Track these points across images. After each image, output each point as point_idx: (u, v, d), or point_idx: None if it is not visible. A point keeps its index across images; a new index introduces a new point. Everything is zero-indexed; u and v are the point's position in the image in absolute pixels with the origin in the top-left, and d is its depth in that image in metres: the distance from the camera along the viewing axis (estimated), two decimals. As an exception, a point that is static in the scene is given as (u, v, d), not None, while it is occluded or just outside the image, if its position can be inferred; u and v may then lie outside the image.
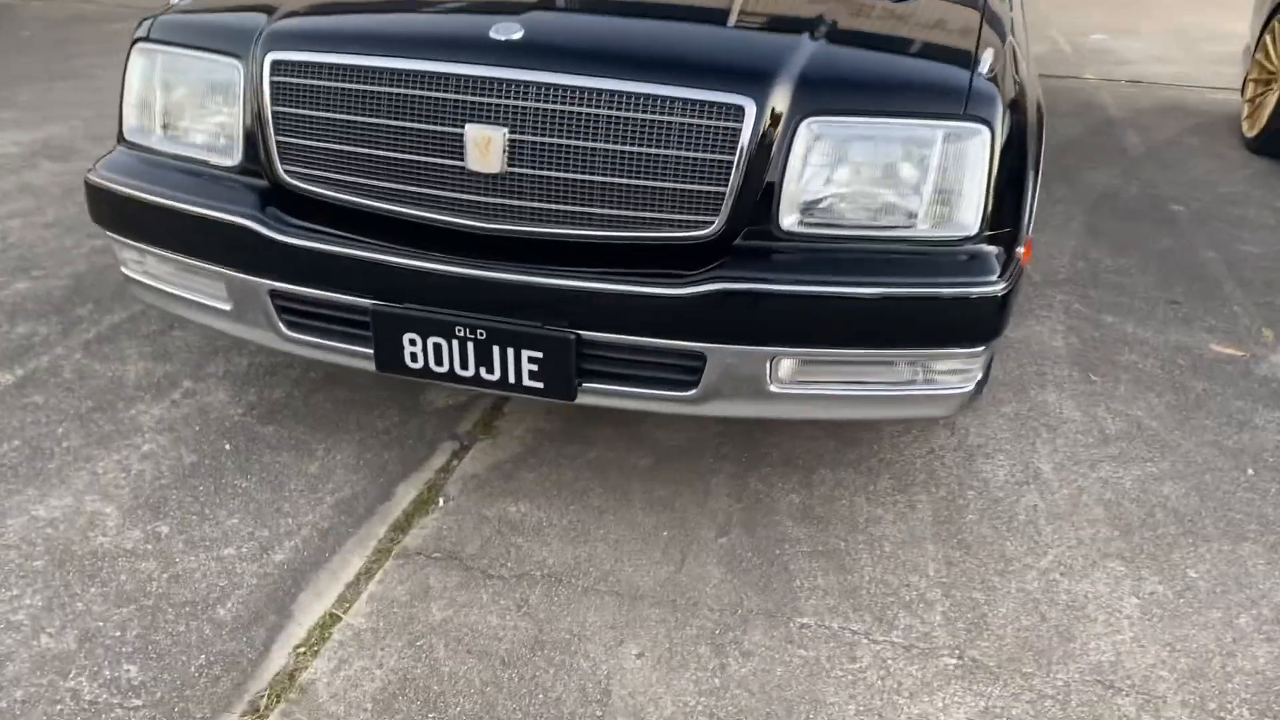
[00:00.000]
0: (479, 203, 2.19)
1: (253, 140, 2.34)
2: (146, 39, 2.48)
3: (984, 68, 2.19)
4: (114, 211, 2.51)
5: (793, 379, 2.20)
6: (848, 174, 2.15)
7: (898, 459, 2.69)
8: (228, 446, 2.64)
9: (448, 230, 2.23)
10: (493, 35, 2.17)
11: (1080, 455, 2.74)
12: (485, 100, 2.13)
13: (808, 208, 2.15)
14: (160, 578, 2.19)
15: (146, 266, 2.56)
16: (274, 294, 2.34)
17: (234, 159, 2.38)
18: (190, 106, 2.45)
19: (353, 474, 2.55)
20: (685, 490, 2.54)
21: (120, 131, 2.56)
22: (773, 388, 2.20)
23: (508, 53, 2.14)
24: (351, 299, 2.28)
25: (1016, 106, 2.22)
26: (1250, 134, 5.53)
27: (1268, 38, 5.54)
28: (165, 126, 2.48)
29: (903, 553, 2.35)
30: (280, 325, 2.38)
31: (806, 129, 2.11)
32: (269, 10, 2.43)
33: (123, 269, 2.64)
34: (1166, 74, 7.31)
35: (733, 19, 2.37)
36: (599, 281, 2.14)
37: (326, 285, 2.28)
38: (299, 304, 2.35)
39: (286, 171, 2.31)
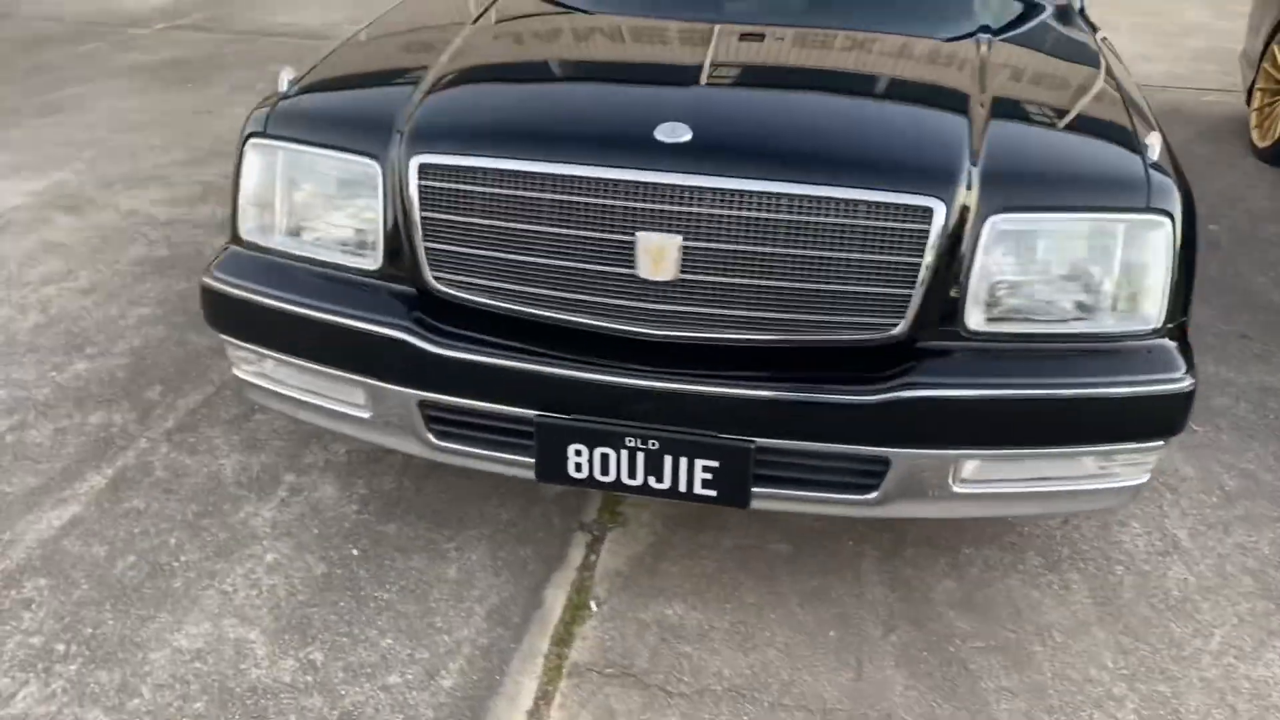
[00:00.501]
0: (648, 310, 2.11)
1: (397, 245, 2.23)
2: (263, 134, 2.35)
3: (1154, 154, 2.16)
4: (237, 317, 2.38)
5: (976, 478, 2.16)
6: (1032, 270, 2.11)
7: (1036, 531, 2.66)
8: (355, 551, 2.53)
9: (612, 337, 2.15)
10: (659, 137, 2.09)
11: (1210, 518, 2.74)
12: (657, 206, 2.04)
13: (992, 305, 2.10)
14: (331, 715, 2.09)
15: (266, 371, 2.43)
16: (424, 404, 2.24)
17: (374, 263, 2.27)
18: (320, 208, 2.33)
19: (494, 577, 2.46)
20: (836, 580, 2.49)
21: (234, 231, 2.42)
22: (955, 488, 2.16)
23: (678, 156, 2.06)
24: (512, 409, 2.19)
25: (1183, 189, 2.19)
26: (1262, 144, 5.61)
27: (1277, 47, 5.60)
28: (291, 228, 2.35)
29: (1074, 642, 2.32)
30: (428, 435, 2.28)
31: (991, 226, 2.06)
32: (403, 93, 2.31)
33: (235, 371, 2.51)
34: (1154, 74, 7.39)
35: (895, 107, 2.30)
36: (782, 389, 2.07)
37: (486, 397, 2.19)
38: (451, 414, 2.25)
39: (436, 278, 2.20)
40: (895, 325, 2.07)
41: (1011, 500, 2.20)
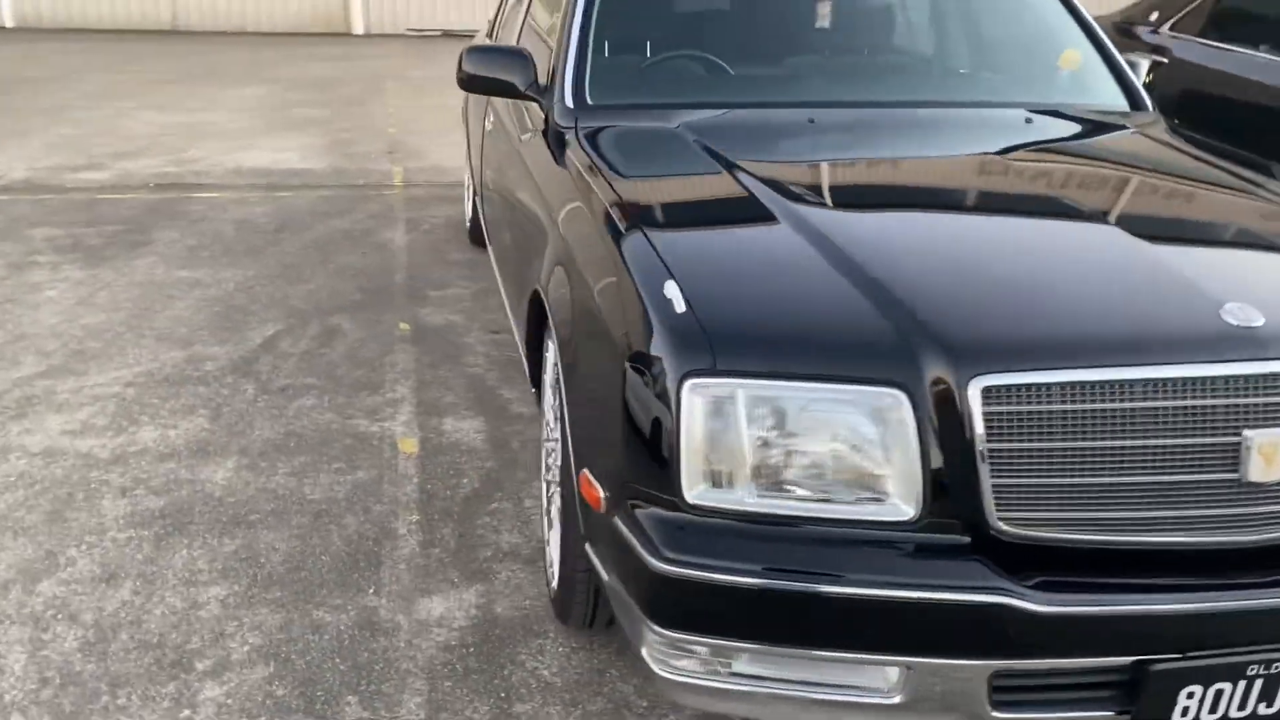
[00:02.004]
0: (1250, 515, 1.87)
1: (945, 486, 1.81)
2: (710, 371, 1.83)
3: None
4: (710, 609, 1.83)
5: None
6: None
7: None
8: None
9: (1191, 551, 1.88)
10: (1229, 321, 1.87)
11: None
12: (1265, 400, 1.82)
13: None
14: None
15: (736, 668, 1.88)
16: (997, 674, 1.83)
17: (908, 512, 1.83)
18: (811, 453, 1.85)
19: None
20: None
21: (678, 493, 1.85)
22: None
23: (1267, 341, 1.85)
24: (1105, 661, 1.84)
25: None
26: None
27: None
28: (769, 483, 1.84)
29: None
30: (990, 710, 1.85)
31: None
32: (858, 297, 1.92)
33: (662, 671, 1.92)
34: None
35: None
36: None
37: (1082, 652, 1.83)
38: (1025, 680, 1.85)
39: (1003, 519, 1.81)
40: None
41: None
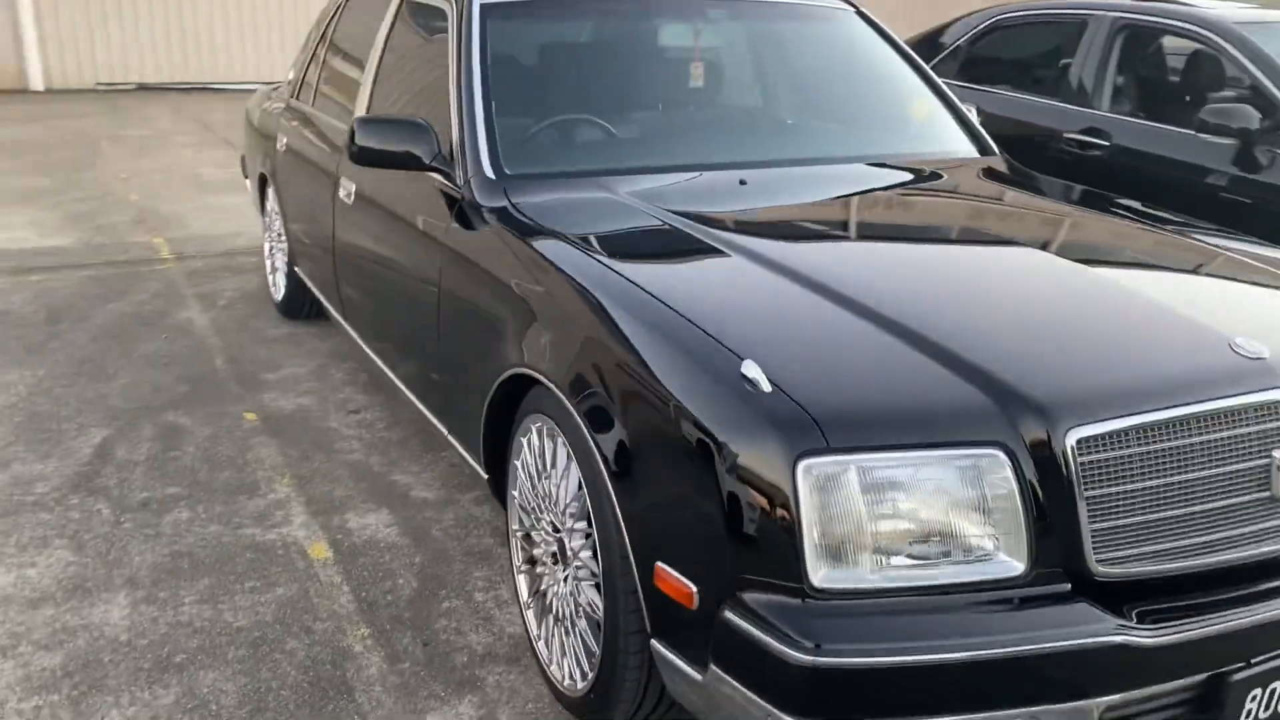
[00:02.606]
0: (1275, 528, 2.07)
1: (1046, 537, 1.89)
2: (825, 450, 1.81)
3: None
4: (860, 692, 1.80)
5: None
6: None
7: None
8: None
9: (1234, 567, 2.05)
10: (1244, 355, 2.08)
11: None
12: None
13: None
14: None
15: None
16: (1108, 709, 1.91)
17: (1016, 567, 1.88)
18: (926, 520, 1.87)
19: None
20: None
21: (803, 579, 1.82)
22: None
23: (1276, 372, 2.06)
24: (1186, 680, 1.97)
25: None
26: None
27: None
28: (886, 555, 1.85)
29: None
30: (1103, 741, 1.94)
31: None
32: (927, 361, 1.99)
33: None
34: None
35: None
36: None
37: (1183, 673, 1.95)
38: (1129, 708, 1.95)
39: (1100, 560, 1.91)
40: None
41: None
